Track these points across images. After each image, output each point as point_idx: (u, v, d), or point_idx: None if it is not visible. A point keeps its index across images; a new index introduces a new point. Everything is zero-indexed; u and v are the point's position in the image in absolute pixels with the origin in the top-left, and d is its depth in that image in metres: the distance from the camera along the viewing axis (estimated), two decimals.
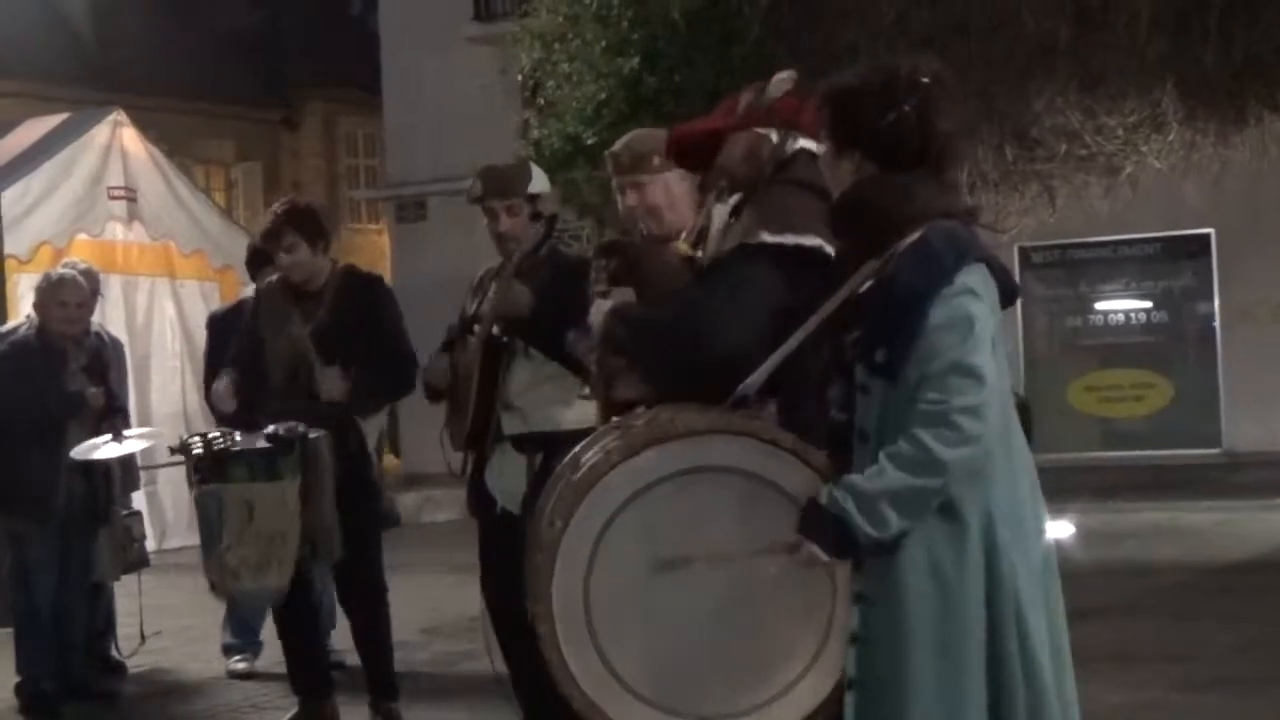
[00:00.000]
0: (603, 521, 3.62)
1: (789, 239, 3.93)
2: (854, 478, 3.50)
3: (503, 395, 6.00)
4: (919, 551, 3.51)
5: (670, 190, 4.88)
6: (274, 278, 7.37)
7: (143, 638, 8.82)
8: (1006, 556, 3.54)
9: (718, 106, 4.42)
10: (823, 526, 3.49)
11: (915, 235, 3.59)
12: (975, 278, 3.56)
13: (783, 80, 4.21)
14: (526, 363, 5.94)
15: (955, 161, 3.81)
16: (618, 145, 5.08)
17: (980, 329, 3.49)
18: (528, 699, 5.99)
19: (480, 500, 6.19)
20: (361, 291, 7.19)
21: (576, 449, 3.96)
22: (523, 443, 5.97)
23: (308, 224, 7.09)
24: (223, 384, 7.08)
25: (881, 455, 3.47)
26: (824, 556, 3.50)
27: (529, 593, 3.79)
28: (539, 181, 6.25)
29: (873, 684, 3.54)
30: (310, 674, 7.21)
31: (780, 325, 3.76)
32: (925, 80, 3.65)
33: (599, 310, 4.26)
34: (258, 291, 7.60)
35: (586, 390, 4.71)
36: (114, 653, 8.95)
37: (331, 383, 6.90)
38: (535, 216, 6.15)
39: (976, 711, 3.52)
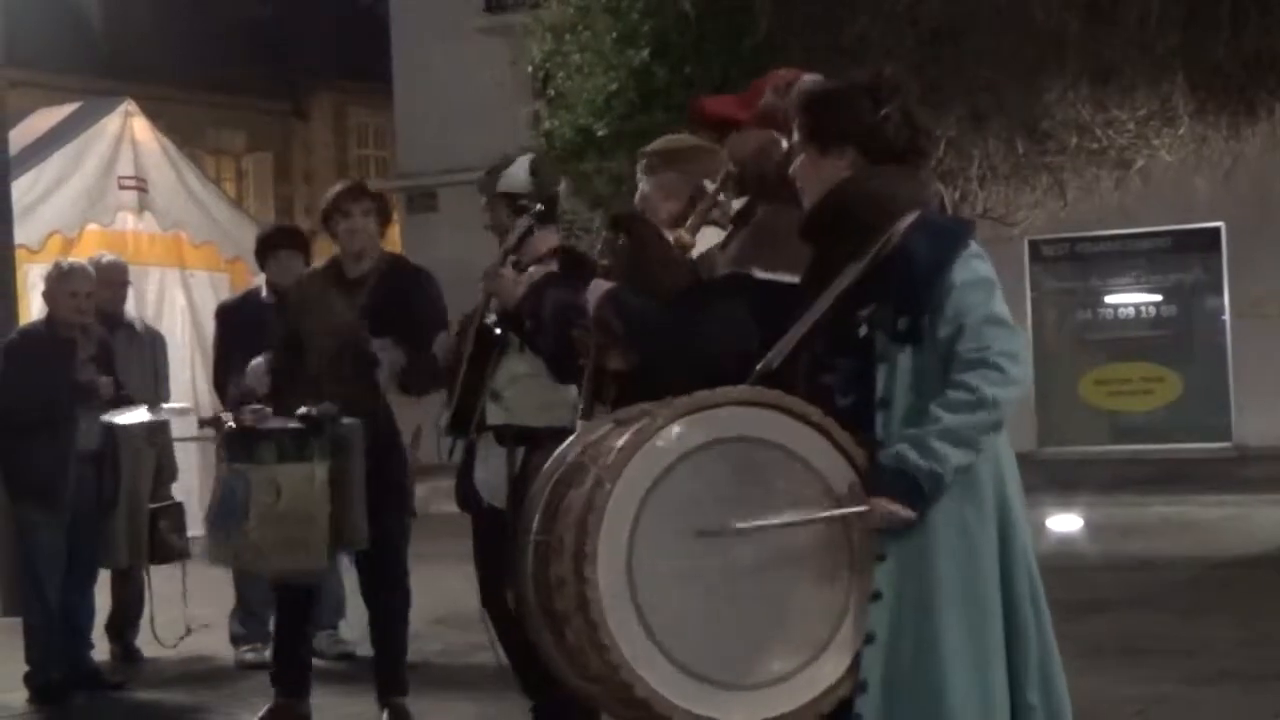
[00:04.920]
0: (647, 485, 3.70)
1: (782, 276, 4.00)
2: (910, 430, 3.65)
3: (490, 384, 5.99)
4: (945, 506, 3.66)
5: (654, 191, 4.99)
6: (313, 267, 7.43)
7: (188, 629, 8.77)
8: (1016, 512, 3.74)
9: (750, 88, 4.49)
10: (890, 483, 3.63)
11: (912, 217, 3.77)
12: (978, 247, 3.78)
13: (813, 79, 4.25)
14: (518, 355, 5.93)
15: (929, 160, 4.09)
16: None
17: (998, 287, 3.72)
18: (534, 690, 5.99)
19: (468, 495, 6.19)
20: (407, 280, 7.19)
21: (577, 433, 4.06)
22: (504, 435, 5.95)
23: (382, 207, 7.30)
24: (259, 362, 7.07)
25: (932, 406, 3.62)
26: (902, 512, 3.62)
27: (528, 583, 3.82)
28: (509, 180, 6.17)
29: (901, 639, 3.67)
30: (292, 670, 7.19)
31: (762, 353, 3.87)
32: (902, 84, 3.88)
33: (596, 289, 4.33)
34: (297, 280, 7.59)
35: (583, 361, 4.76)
36: (143, 640, 9.00)
37: (386, 351, 6.87)
38: (520, 210, 6.07)
39: (999, 657, 3.69)
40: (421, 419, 7.14)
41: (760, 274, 4.09)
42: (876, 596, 3.68)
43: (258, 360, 7.12)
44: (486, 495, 6.05)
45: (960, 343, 3.63)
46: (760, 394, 3.79)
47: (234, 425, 6.72)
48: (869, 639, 3.67)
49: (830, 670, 3.73)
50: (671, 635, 3.67)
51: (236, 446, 6.72)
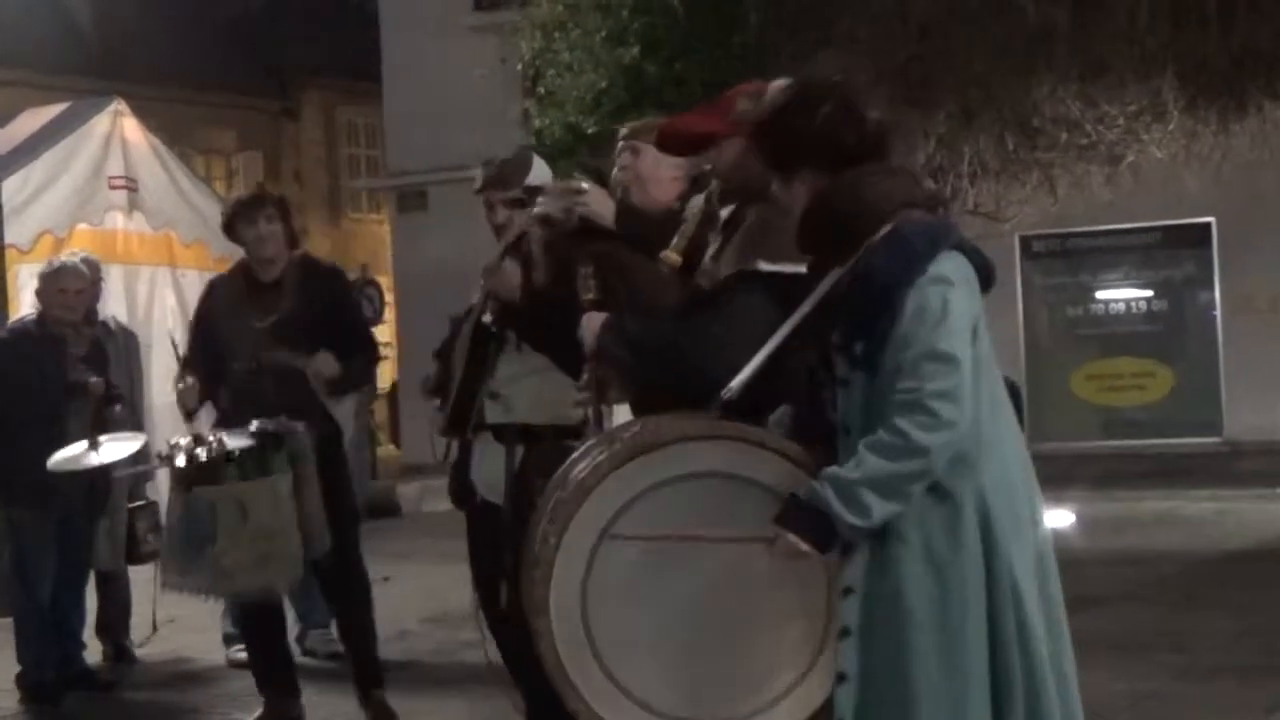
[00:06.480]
0: (597, 533, 3.64)
1: (786, 267, 3.95)
2: (833, 469, 3.53)
3: (488, 384, 5.99)
4: (913, 538, 3.54)
5: (659, 166, 4.93)
6: (221, 274, 7.41)
7: (155, 627, 8.77)
8: (1003, 540, 3.57)
9: (713, 101, 4.44)
10: (801, 517, 3.52)
11: (886, 229, 3.62)
12: (949, 265, 3.59)
13: (780, 88, 4.21)
14: (515, 354, 5.93)
15: (895, 147, 3.85)
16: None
17: (955, 316, 3.53)
18: (526, 688, 5.99)
19: (463, 491, 6.19)
20: (324, 282, 7.23)
21: (565, 464, 3.99)
22: (503, 433, 5.96)
23: (285, 209, 7.21)
24: (188, 385, 7.00)
25: (860, 445, 3.50)
26: (803, 546, 3.52)
27: (527, 608, 3.81)
28: (539, 173, 6.21)
29: (873, 675, 3.55)
30: (278, 673, 7.18)
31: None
32: (837, 79, 3.73)
33: (591, 322, 4.28)
34: (213, 284, 7.53)
35: (584, 396, 4.71)
36: (128, 642, 8.99)
37: (324, 364, 6.88)
38: (519, 204, 6.08)
39: (980, 693, 3.55)
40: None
41: (766, 267, 4.04)
42: (845, 633, 3.57)
43: (188, 383, 7.03)
44: (483, 490, 6.05)
45: (899, 379, 3.49)
46: (711, 426, 3.71)
47: (186, 462, 6.60)
48: (840, 678, 3.56)
49: (803, 708, 3.68)
50: (634, 677, 3.63)
51: (196, 471, 6.59)
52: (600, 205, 4.94)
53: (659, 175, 4.93)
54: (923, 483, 3.50)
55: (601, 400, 4.45)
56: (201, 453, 6.58)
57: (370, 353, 7.28)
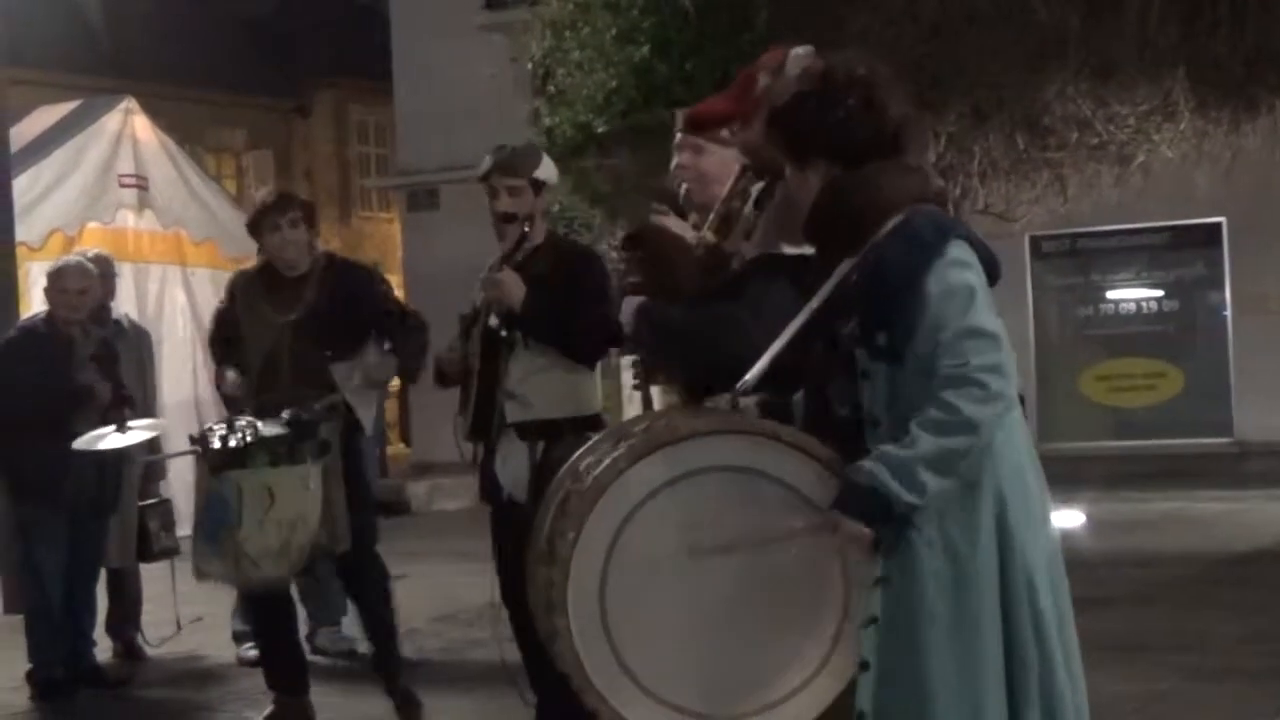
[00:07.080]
0: (614, 529, 3.64)
1: (808, 250, 3.94)
2: (887, 447, 3.52)
3: (504, 385, 6.02)
4: (932, 530, 3.55)
5: (725, 166, 4.81)
6: (248, 267, 7.40)
7: (178, 626, 8.77)
8: (1017, 533, 3.58)
9: (735, 82, 4.43)
10: (858, 500, 3.51)
11: (895, 220, 3.63)
12: (962, 250, 3.60)
13: (800, 57, 4.17)
14: (525, 352, 5.97)
15: (911, 144, 3.83)
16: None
17: (980, 295, 3.55)
18: (541, 687, 6.00)
19: (490, 487, 6.21)
20: (352, 276, 7.22)
21: (574, 456, 4.00)
22: (526, 430, 5.99)
23: (309, 211, 7.17)
24: (232, 376, 7.04)
25: (912, 424, 3.49)
26: (862, 529, 3.52)
27: (542, 606, 3.81)
28: (546, 169, 6.22)
29: (890, 664, 3.57)
30: (288, 670, 7.18)
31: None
32: (862, 73, 3.71)
33: (629, 306, 4.31)
34: (234, 280, 7.50)
35: (635, 382, 4.71)
36: (140, 640, 8.99)
37: (381, 366, 6.92)
38: (508, 219, 6.08)
39: (996, 687, 3.56)
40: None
41: (790, 250, 4.05)
42: (872, 621, 3.58)
43: (231, 374, 7.06)
44: (508, 488, 6.08)
45: (939, 358, 3.48)
46: (725, 421, 3.73)
47: (219, 445, 6.60)
48: (864, 666, 3.57)
49: (815, 705, 3.69)
50: (651, 673, 3.64)
51: (226, 455, 6.60)
52: (679, 227, 4.86)
53: (725, 173, 4.83)
54: (970, 459, 3.51)
55: (650, 384, 4.47)
56: (234, 438, 6.59)
57: (415, 332, 7.14)
